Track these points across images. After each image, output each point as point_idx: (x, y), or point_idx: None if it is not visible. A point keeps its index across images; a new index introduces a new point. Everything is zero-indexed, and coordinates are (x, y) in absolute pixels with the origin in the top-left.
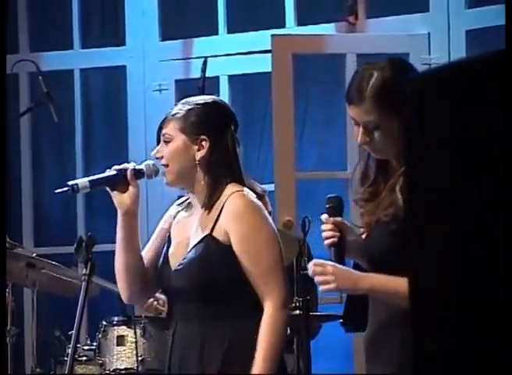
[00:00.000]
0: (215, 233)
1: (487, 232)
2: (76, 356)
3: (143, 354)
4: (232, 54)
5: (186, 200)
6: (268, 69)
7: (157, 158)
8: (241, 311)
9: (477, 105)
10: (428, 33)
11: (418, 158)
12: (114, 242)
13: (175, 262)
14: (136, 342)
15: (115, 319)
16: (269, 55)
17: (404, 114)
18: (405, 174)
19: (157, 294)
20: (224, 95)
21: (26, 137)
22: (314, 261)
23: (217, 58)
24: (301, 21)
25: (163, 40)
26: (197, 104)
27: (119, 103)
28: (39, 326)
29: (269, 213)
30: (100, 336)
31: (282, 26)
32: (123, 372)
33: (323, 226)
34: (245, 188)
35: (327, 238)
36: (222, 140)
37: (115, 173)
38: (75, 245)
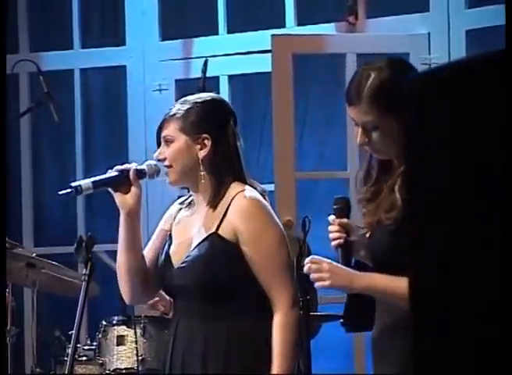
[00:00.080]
0: (220, 232)
1: (487, 232)
2: (76, 356)
3: (143, 354)
4: (232, 54)
5: (187, 198)
6: (268, 69)
7: (159, 161)
8: (244, 309)
9: (477, 105)
10: (428, 33)
11: (418, 158)
12: (114, 242)
13: (177, 260)
14: (136, 342)
15: (115, 319)
16: (269, 55)
17: (403, 114)
18: (404, 174)
19: (163, 293)
20: (224, 95)
21: (26, 137)
22: (311, 258)
23: (217, 58)
24: (301, 21)
25: (163, 40)
26: (196, 102)
27: (119, 103)
28: (39, 326)
29: None
30: (100, 336)
31: (282, 26)
32: (123, 372)
33: (330, 228)
34: (249, 187)
35: (334, 239)
36: (224, 137)
37: (117, 173)
38: (75, 245)
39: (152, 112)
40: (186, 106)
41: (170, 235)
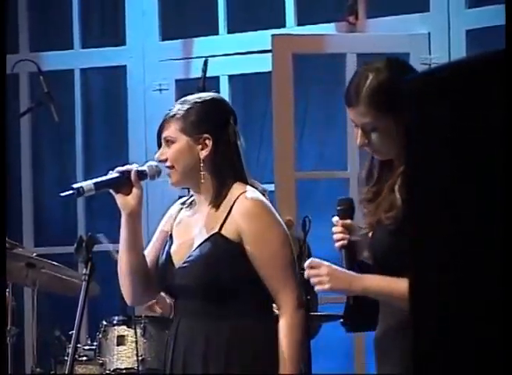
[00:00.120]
0: (223, 232)
1: (487, 232)
2: (77, 356)
3: (143, 354)
4: (233, 54)
5: (189, 198)
6: (268, 69)
7: (160, 162)
8: (246, 309)
9: (477, 105)
10: (428, 33)
11: (418, 158)
12: (114, 242)
13: (178, 259)
14: (136, 342)
15: (116, 318)
16: (269, 54)
17: (402, 115)
18: (404, 174)
19: (162, 294)
20: (224, 95)
21: (26, 137)
22: (310, 261)
23: (217, 58)
24: (301, 21)
25: (163, 40)
26: (196, 102)
27: (119, 103)
28: (39, 326)
29: None
30: (100, 336)
31: (283, 26)
32: (123, 372)
33: (333, 229)
34: (251, 187)
35: (337, 241)
36: (225, 136)
37: (118, 175)
38: (75, 245)
39: (152, 112)
40: (186, 106)
41: (171, 235)
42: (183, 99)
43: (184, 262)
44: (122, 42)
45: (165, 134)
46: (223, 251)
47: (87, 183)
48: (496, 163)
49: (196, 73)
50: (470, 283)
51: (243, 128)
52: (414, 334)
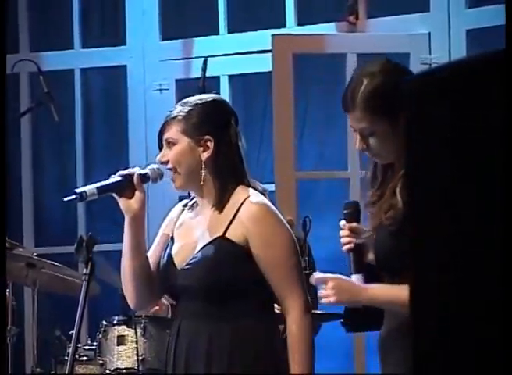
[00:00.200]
0: (228, 235)
1: (487, 232)
2: (77, 356)
3: (143, 353)
4: (233, 54)
5: (191, 200)
6: (269, 68)
7: (162, 164)
8: (247, 309)
9: (477, 105)
10: (429, 33)
11: (418, 158)
12: (114, 242)
13: (180, 261)
14: (136, 342)
15: (116, 318)
16: (269, 54)
17: (399, 118)
18: (405, 176)
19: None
20: (224, 95)
21: (26, 137)
22: (315, 275)
23: (217, 58)
24: (301, 21)
25: (163, 40)
26: (197, 104)
27: (119, 103)
28: (39, 325)
29: None
30: (100, 336)
31: (283, 26)
32: (124, 371)
33: (340, 233)
34: (254, 191)
35: (344, 244)
36: (226, 137)
37: (120, 178)
38: (75, 245)
39: (152, 112)
40: (188, 108)
41: (172, 237)
42: (184, 101)
43: (187, 264)
44: (123, 42)
45: (166, 136)
46: (227, 254)
47: (90, 188)
48: (496, 163)
49: (196, 72)
50: (470, 284)
51: (243, 128)
52: (414, 334)
